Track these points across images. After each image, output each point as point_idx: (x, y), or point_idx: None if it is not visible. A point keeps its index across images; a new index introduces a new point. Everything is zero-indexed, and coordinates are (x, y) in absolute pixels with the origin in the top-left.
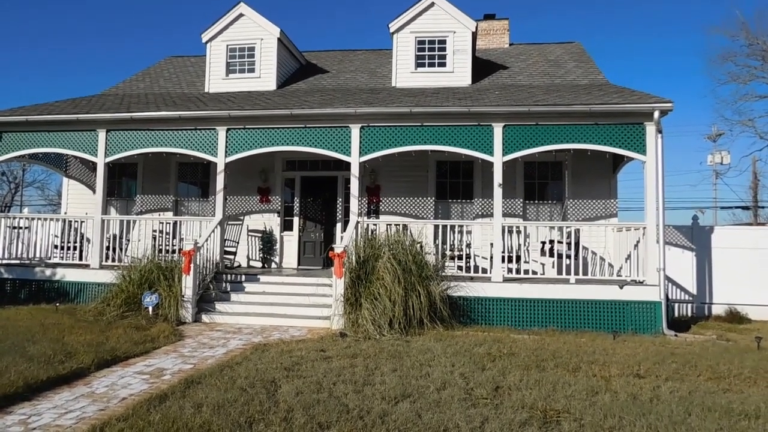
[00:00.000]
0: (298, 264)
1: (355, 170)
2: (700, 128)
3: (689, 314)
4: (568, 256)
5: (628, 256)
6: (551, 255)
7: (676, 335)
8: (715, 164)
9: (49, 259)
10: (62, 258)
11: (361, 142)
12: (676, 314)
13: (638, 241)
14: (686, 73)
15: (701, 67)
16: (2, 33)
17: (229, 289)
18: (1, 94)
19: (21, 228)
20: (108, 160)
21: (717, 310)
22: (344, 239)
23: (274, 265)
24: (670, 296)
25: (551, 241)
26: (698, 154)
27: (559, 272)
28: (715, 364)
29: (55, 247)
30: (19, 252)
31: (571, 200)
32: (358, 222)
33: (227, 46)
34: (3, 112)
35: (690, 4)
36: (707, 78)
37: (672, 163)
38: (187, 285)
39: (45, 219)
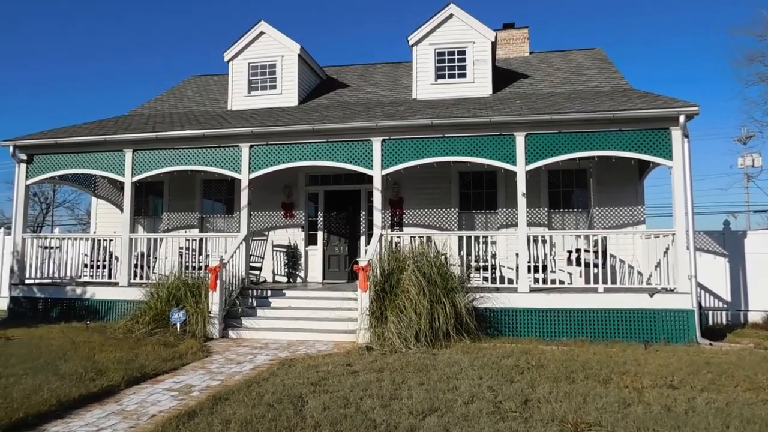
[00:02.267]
0: (323, 278)
1: (377, 183)
2: (729, 131)
3: (724, 322)
4: (596, 265)
5: (658, 264)
6: (578, 264)
7: (710, 344)
8: (746, 167)
9: (80, 277)
10: (92, 276)
11: (383, 155)
12: (710, 322)
13: (668, 248)
14: (712, 76)
15: (726, 70)
16: (33, 54)
17: (255, 305)
18: (31, 114)
19: (52, 248)
20: (135, 179)
21: (753, 317)
22: (368, 252)
23: (299, 280)
24: (703, 304)
25: (578, 250)
26: (727, 157)
27: (587, 281)
28: (753, 374)
29: (85, 266)
30: (51, 271)
31: (596, 208)
32: (381, 235)
33: (249, 63)
34: (33, 136)
35: (710, 7)
36: (733, 80)
37: (701, 167)
38: (214, 301)
39: (75, 238)
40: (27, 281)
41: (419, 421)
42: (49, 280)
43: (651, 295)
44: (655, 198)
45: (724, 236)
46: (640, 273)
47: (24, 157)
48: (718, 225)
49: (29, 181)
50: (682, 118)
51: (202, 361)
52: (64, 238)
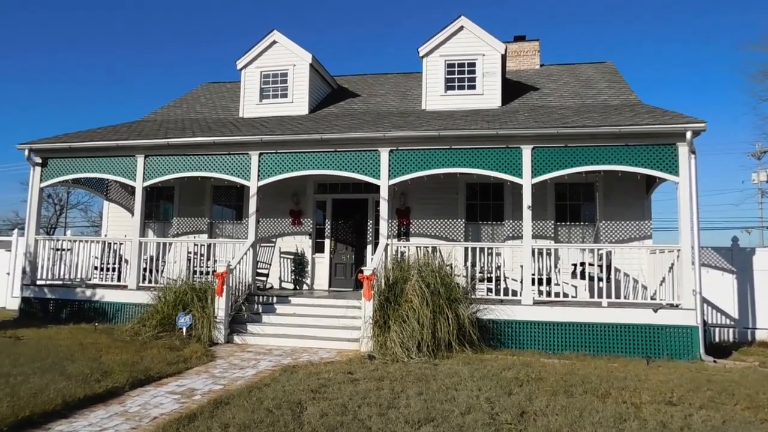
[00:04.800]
0: (330, 286)
1: (384, 193)
2: (743, 146)
3: (731, 339)
4: (600, 279)
5: (663, 279)
6: (583, 277)
7: (714, 361)
8: (760, 182)
9: (90, 280)
10: (102, 279)
11: (390, 166)
12: (717, 339)
13: (673, 264)
14: (725, 90)
15: (740, 84)
16: (54, 66)
17: (260, 311)
18: (48, 120)
19: (64, 250)
20: (146, 184)
21: (761, 335)
22: (373, 261)
23: (305, 287)
24: (709, 320)
25: (583, 264)
26: (741, 172)
27: (591, 295)
28: (755, 393)
29: (96, 268)
30: (62, 273)
31: (603, 221)
32: (387, 244)
33: (261, 72)
34: (49, 139)
35: (726, 22)
36: (747, 95)
37: (714, 182)
38: (220, 306)
39: (86, 241)
40: (38, 282)
41: (414, 430)
42: (60, 282)
43: (655, 311)
44: (664, 212)
45: (732, 252)
46: (644, 287)
47: (39, 160)
48: (729, 240)
49: (43, 184)
50: (688, 134)
51: (206, 366)
52: (75, 241)
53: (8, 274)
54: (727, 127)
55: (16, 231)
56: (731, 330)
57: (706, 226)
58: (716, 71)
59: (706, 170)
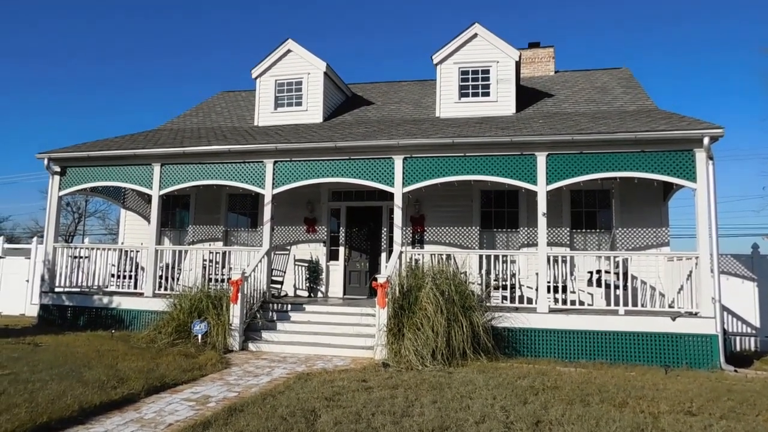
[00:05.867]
0: (344, 293)
1: (398, 201)
2: (764, 151)
3: (752, 349)
4: (617, 287)
5: (681, 287)
6: (599, 285)
7: (735, 371)
8: None
9: (107, 287)
10: (119, 286)
11: (404, 173)
12: (738, 348)
13: (691, 271)
14: (744, 96)
15: (760, 89)
16: (75, 77)
17: (275, 318)
18: (66, 130)
19: (81, 257)
20: (162, 192)
21: None
22: (387, 269)
23: (320, 295)
24: (729, 329)
25: (599, 271)
26: (761, 178)
27: (608, 303)
28: None
29: (113, 275)
30: (80, 280)
31: (619, 229)
32: (401, 252)
33: (275, 80)
34: (67, 149)
35: (743, 27)
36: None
37: (733, 188)
38: (235, 314)
39: (103, 249)
40: (57, 289)
41: None
42: (78, 289)
43: (673, 319)
44: (683, 218)
45: (753, 260)
46: (662, 295)
47: (58, 169)
48: (750, 248)
49: (62, 193)
50: (706, 140)
51: (220, 373)
52: (93, 249)
53: (27, 281)
54: (746, 133)
55: (35, 239)
56: (752, 339)
57: (725, 233)
58: (734, 76)
59: (726, 177)
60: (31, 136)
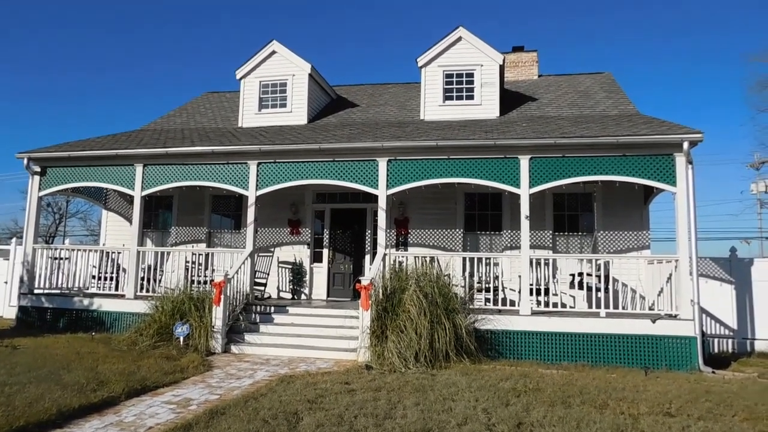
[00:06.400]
0: (328, 295)
1: (382, 203)
2: (741, 156)
3: (730, 350)
4: (599, 289)
5: (661, 290)
6: (581, 288)
7: (713, 372)
8: (759, 193)
9: (87, 289)
10: (99, 288)
11: (388, 176)
12: (716, 350)
13: (671, 274)
14: (724, 101)
15: (739, 96)
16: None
17: (258, 321)
18: (47, 131)
19: (62, 259)
20: (144, 193)
21: (760, 346)
22: (371, 271)
23: (303, 297)
24: (708, 331)
25: (581, 274)
26: (740, 183)
27: (590, 305)
28: (753, 404)
29: (93, 277)
30: (60, 282)
31: (601, 232)
32: (385, 254)
33: (260, 82)
34: (48, 149)
35: (726, 35)
36: (745, 106)
37: (712, 192)
38: (217, 316)
39: (84, 250)
40: (36, 291)
41: None
42: (58, 291)
43: (653, 321)
44: (663, 222)
45: (731, 263)
46: (642, 297)
47: (38, 169)
48: (728, 251)
49: (42, 193)
50: (685, 145)
51: (202, 375)
52: (73, 250)
53: (6, 283)
54: (726, 138)
55: (14, 240)
56: (730, 341)
57: (705, 236)
58: (715, 83)
59: (705, 181)
60: (10, 135)
